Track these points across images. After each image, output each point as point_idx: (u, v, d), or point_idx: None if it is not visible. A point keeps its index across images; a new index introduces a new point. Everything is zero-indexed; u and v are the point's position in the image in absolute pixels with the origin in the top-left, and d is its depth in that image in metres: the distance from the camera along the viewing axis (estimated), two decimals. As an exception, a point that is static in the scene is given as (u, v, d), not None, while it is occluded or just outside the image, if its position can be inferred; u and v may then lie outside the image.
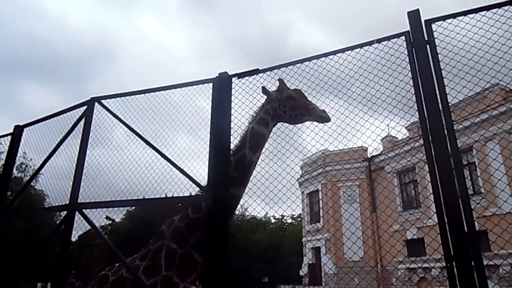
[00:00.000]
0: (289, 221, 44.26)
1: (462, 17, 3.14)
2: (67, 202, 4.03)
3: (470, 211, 2.59)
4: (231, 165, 3.53)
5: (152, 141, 3.99)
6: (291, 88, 3.84)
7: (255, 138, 3.62)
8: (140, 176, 4.13)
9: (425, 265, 17.98)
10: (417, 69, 3.12)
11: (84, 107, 4.50)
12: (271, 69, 3.82)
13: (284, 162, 3.64)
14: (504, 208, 15.04)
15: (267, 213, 47.58)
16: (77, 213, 3.88)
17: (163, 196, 3.83)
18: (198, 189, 3.59)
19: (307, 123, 3.69)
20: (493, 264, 15.44)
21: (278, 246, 36.05)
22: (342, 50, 3.51)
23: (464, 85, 3.04)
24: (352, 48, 3.46)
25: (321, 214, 23.61)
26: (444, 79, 3.01)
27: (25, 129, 5.24)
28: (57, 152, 4.67)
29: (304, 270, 24.53)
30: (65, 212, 3.96)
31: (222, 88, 3.82)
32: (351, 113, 3.38)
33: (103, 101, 4.43)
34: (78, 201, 4.00)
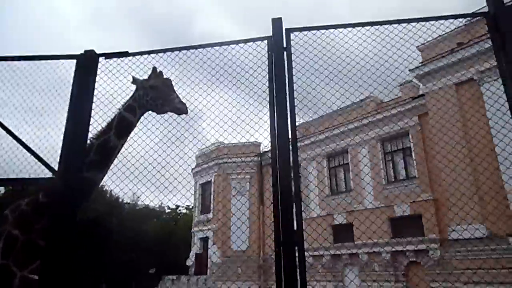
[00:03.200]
0: (184, 211, 43.89)
1: (325, 30, 3.52)
2: None
3: (300, 207, 2.95)
4: (93, 148, 3.44)
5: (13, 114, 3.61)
6: (167, 76, 3.86)
7: (122, 124, 3.60)
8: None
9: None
10: (273, 73, 3.37)
11: None
12: (141, 53, 3.75)
13: (177, 150, 3.58)
14: (366, 205, 17.38)
15: (161, 202, 46.43)
16: None
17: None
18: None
19: (205, 115, 3.71)
20: (355, 253, 17.76)
21: (170, 236, 35.47)
22: (215, 44, 3.64)
23: (314, 95, 3.41)
24: (220, 44, 3.61)
25: (211, 205, 23.98)
26: (299, 85, 3.32)
27: None
28: None
29: (191, 260, 24.67)
30: None
31: (86, 66, 3.62)
32: (244, 106, 3.47)
33: None
34: None
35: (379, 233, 15.49)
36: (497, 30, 3.22)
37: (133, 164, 3.60)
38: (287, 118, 3.20)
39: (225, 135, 3.58)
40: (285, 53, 3.40)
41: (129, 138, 3.73)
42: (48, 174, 3.35)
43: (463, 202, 10.88)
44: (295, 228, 2.90)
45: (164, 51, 3.72)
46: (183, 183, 3.50)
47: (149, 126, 3.78)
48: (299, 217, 2.95)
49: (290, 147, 3.08)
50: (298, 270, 2.81)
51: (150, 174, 3.53)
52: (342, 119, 18.73)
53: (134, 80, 3.75)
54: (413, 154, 16.79)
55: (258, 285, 20.91)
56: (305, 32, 3.53)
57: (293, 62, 3.40)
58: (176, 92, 3.80)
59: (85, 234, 25.16)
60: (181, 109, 3.60)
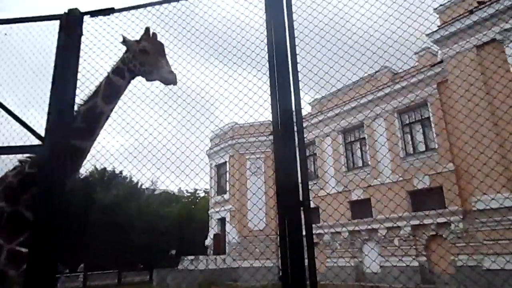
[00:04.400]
0: (202, 195, 44.33)
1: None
2: None
3: (306, 176, 2.65)
4: (79, 115, 3.24)
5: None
6: (160, 39, 3.55)
7: (110, 89, 3.36)
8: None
9: (319, 231, 19.61)
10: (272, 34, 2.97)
11: None
12: (128, 9, 3.47)
13: (192, 130, 3.29)
14: (384, 179, 16.90)
15: (180, 187, 46.85)
16: None
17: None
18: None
19: (222, 91, 3.36)
20: (374, 228, 17.46)
21: (189, 219, 35.94)
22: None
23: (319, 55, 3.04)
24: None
25: (227, 186, 23.97)
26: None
27: None
28: None
29: (209, 241, 24.92)
30: None
31: (70, 27, 3.35)
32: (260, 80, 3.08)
33: None
34: None
35: (398, 207, 15.10)
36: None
37: (149, 151, 3.34)
38: (289, 91, 2.81)
39: (239, 115, 3.20)
40: (285, 11, 2.97)
41: (118, 102, 3.47)
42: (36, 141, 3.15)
43: (487, 171, 10.30)
44: (301, 199, 2.61)
45: (153, 4, 3.41)
46: (201, 165, 3.23)
47: (165, 108, 3.48)
48: (306, 187, 2.64)
49: (294, 119, 2.76)
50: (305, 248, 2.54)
51: (165, 158, 3.28)
52: (355, 93, 18.12)
53: (124, 41, 3.45)
54: (432, 124, 16.12)
55: (274, 264, 20.97)
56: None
57: (297, 32, 2.96)
58: (167, 59, 3.48)
59: (105, 218, 25.68)
60: (169, 79, 3.26)
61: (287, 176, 2.66)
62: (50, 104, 3.14)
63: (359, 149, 19.64)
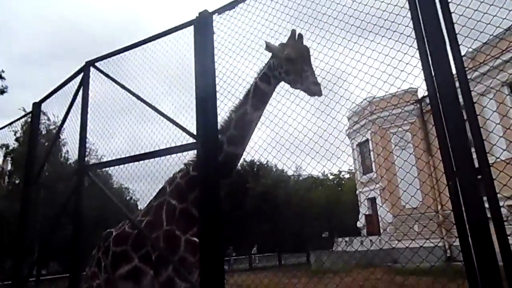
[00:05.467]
0: (347, 176, 43.68)
1: None
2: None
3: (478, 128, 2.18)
4: (232, 122, 3.43)
5: (145, 97, 3.91)
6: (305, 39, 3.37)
7: (258, 95, 3.44)
8: (141, 132, 4.14)
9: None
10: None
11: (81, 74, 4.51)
12: (251, -4, 3.46)
13: (329, 114, 3.20)
14: None
15: (324, 171, 47.22)
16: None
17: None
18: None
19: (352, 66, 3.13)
20: None
21: (336, 202, 35.89)
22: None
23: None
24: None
25: (373, 164, 22.80)
26: None
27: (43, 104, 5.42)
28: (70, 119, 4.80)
29: (361, 222, 24.28)
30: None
31: (203, 29, 3.56)
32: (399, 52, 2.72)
33: (97, 63, 4.40)
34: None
35: None
36: None
37: (292, 134, 3.35)
38: (445, 51, 2.39)
39: (377, 86, 2.82)
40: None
41: (266, 108, 3.49)
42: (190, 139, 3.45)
43: None
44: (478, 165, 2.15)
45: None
46: (341, 147, 3.06)
47: (301, 95, 3.40)
48: (482, 151, 2.16)
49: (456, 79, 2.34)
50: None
51: (308, 144, 3.21)
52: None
53: (268, 47, 3.41)
54: None
55: (440, 243, 18.92)
56: None
57: None
58: (312, 68, 3.25)
59: (259, 206, 27.80)
60: (313, 90, 3.11)
61: (456, 141, 2.23)
62: (196, 104, 3.40)
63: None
